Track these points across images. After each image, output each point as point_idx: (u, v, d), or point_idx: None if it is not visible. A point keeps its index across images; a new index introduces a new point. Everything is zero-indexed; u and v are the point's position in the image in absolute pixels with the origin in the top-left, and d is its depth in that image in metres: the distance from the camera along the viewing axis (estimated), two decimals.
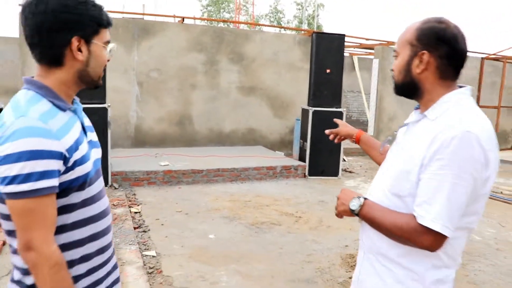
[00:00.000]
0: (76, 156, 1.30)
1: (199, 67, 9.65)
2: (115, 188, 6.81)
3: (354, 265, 4.13)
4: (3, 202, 1.26)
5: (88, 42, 1.34)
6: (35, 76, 1.36)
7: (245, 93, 10.10)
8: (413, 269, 1.48)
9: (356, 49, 13.50)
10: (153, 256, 4.31)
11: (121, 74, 9.03)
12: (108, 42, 1.41)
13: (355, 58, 14.38)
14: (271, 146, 10.24)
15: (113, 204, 5.87)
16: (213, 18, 24.30)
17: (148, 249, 4.50)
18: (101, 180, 1.48)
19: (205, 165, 7.68)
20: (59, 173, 1.25)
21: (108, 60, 1.44)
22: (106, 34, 1.39)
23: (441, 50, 1.44)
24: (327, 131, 2.24)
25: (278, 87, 10.35)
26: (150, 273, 3.95)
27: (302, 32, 11.96)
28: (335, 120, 2.35)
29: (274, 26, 23.96)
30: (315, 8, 29.94)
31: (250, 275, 3.99)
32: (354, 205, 1.55)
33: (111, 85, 8.63)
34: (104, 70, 5.94)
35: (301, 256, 4.44)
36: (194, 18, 11.02)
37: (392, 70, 1.60)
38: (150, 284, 3.71)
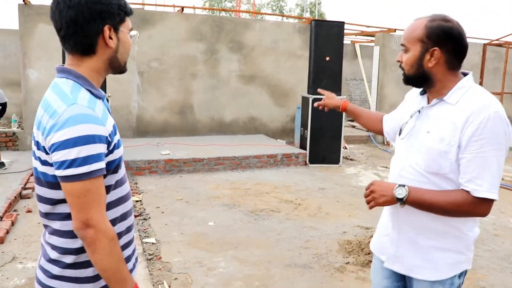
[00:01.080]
0: (115, 140, 1.43)
1: (199, 56, 9.66)
2: None
3: (352, 251, 4.20)
4: (46, 186, 1.37)
5: (116, 30, 1.43)
6: (67, 65, 1.42)
7: (245, 82, 10.11)
8: (459, 234, 1.74)
9: (358, 36, 13.47)
10: (153, 243, 4.37)
11: None
12: (131, 29, 1.51)
13: (357, 46, 14.35)
14: (272, 135, 10.27)
15: None
16: (213, 7, 24.19)
17: (148, 236, 4.56)
18: (123, 163, 1.58)
19: (206, 154, 7.73)
20: (104, 156, 1.35)
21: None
22: (129, 22, 1.49)
23: (449, 46, 1.67)
24: (315, 104, 2.45)
25: (278, 75, 10.35)
26: (150, 259, 4.01)
27: (303, 20, 11.91)
28: (319, 90, 2.55)
29: (275, 15, 23.87)
30: None
31: (247, 260, 4.05)
32: (401, 193, 1.68)
33: (111, 75, 8.66)
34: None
35: (299, 242, 4.49)
36: (194, 8, 11.01)
37: (399, 61, 1.79)
38: (149, 270, 3.78)
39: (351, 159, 8.99)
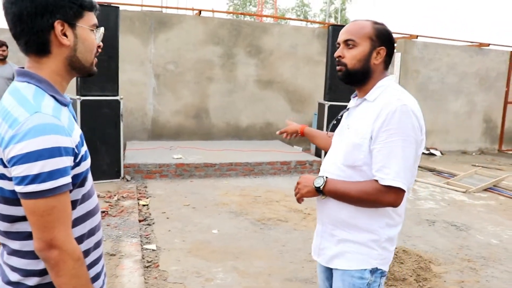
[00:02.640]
0: (82, 151, 1.32)
1: (216, 60, 9.57)
2: (127, 181, 6.82)
3: None
4: (2, 202, 1.24)
5: (72, 26, 1.30)
6: (27, 67, 1.31)
7: (262, 87, 9.99)
8: (370, 229, 1.79)
9: None
10: (153, 250, 4.26)
11: (138, 67, 9.04)
12: (95, 26, 1.37)
13: None
14: (289, 141, 10.11)
15: (122, 197, 5.87)
16: (232, 11, 24.20)
17: (149, 242, 4.46)
18: (90, 174, 1.46)
19: (218, 159, 7.62)
20: (70, 169, 1.25)
21: (99, 46, 1.41)
22: (92, 17, 1.36)
23: (389, 48, 1.84)
24: (277, 132, 2.62)
25: (296, 80, 10.19)
26: (147, 267, 3.90)
27: (324, 25, 11.74)
28: (286, 121, 2.70)
29: (295, 19, 23.71)
30: (342, 1, 29.51)
31: (247, 272, 3.90)
32: (318, 182, 1.81)
33: (128, 77, 8.67)
34: (117, 61, 5.86)
35: (303, 254, 4.31)
36: (213, 11, 10.97)
37: (339, 56, 1.84)
38: (145, 278, 3.66)
39: None
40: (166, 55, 9.22)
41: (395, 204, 1.71)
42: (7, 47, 6.77)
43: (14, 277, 1.29)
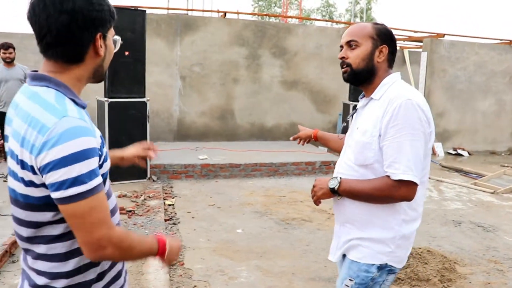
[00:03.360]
0: (104, 152, 1.33)
1: (241, 62, 9.65)
2: (154, 181, 6.94)
3: None
4: (28, 209, 1.25)
5: (105, 37, 1.34)
6: (46, 71, 1.30)
7: (287, 87, 10.02)
8: (386, 226, 1.82)
9: (406, 42, 13.08)
10: None
11: (164, 69, 9.19)
12: (114, 34, 1.42)
13: (406, 52, 13.91)
14: (314, 142, 10.09)
15: (149, 196, 5.98)
16: (257, 13, 24.25)
17: None
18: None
19: (243, 160, 7.68)
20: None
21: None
22: (112, 27, 1.39)
23: (392, 46, 1.90)
24: (291, 138, 2.64)
25: (321, 81, 10.19)
26: (172, 265, 3.98)
27: (348, 25, 11.68)
28: (299, 126, 2.71)
29: (321, 20, 23.67)
30: (367, 0, 29.26)
31: (271, 271, 3.94)
32: (333, 184, 1.86)
33: (154, 79, 8.82)
34: (144, 63, 5.93)
35: (327, 254, 4.27)
36: (238, 13, 11.05)
37: (343, 58, 1.90)
38: (170, 276, 3.75)
39: None
40: (192, 57, 9.34)
41: (409, 197, 1.74)
42: (14, 49, 6.78)
43: (41, 280, 1.30)
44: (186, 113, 9.48)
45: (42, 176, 1.18)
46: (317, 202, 1.99)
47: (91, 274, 1.33)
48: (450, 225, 5.41)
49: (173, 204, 5.82)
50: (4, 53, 6.67)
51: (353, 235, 1.89)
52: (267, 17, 17.39)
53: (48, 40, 1.25)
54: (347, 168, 1.89)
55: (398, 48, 14.38)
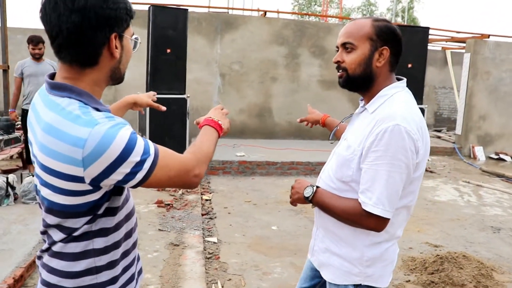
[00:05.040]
0: None
1: (280, 60, 9.71)
2: None
3: (414, 269, 4.01)
4: (62, 216, 1.25)
5: (121, 37, 1.27)
6: (63, 78, 1.25)
7: (325, 87, 10.01)
8: (353, 244, 1.70)
9: (449, 43, 12.83)
10: (214, 243, 4.46)
11: (204, 66, 9.34)
12: (133, 34, 1.33)
13: (448, 53, 13.65)
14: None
15: (187, 191, 6.12)
16: (297, 12, 24.18)
17: (211, 235, 4.66)
18: None
19: (280, 158, 7.75)
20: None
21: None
22: (130, 27, 1.32)
23: (395, 47, 1.66)
24: (298, 120, 2.53)
25: None
26: (208, 258, 4.09)
27: None
28: (308, 105, 2.64)
29: (360, 19, 23.36)
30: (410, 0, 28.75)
31: None
32: (308, 192, 1.74)
33: (194, 76, 8.98)
34: (185, 61, 5.91)
35: None
36: (278, 12, 11.10)
37: (338, 62, 1.70)
38: (206, 269, 3.85)
39: (431, 171, 8.57)
40: (232, 55, 9.46)
41: (377, 229, 1.61)
42: (44, 44, 6.11)
43: (52, 279, 1.31)
44: None
45: (100, 182, 1.18)
46: (293, 204, 1.85)
47: (104, 277, 1.33)
48: (488, 231, 5.32)
49: (210, 199, 5.94)
50: (34, 48, 6.06)
51: (326, 244, 1.81)
52: (307, 16, 17.37)
53: (60, 41, 1.19)
54: (328, 177, 1.77)
55: (440, 49, 14.13)
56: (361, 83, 1.69)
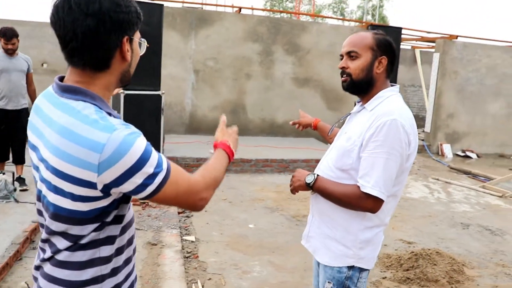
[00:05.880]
0: None
1: (254, 57, 9.72)
2: None
3: (390, 266, 4.10)
4: (69, 222, 1.23)
5: (131, 40, 1.28)
6: (75, 82, 1.25)
7: (299, 84, 10.08)
8: (348, 228, 1.92)
9: (418, 42, 13.09)
10: (192, 241, 4.45)
11: (178, 62, 9.27)
12: (140, 37, 1.35)
13: (417, 52, 13.94)
14: (323, 139, 10.17)
15: None
16: (273, 9, 24.23)
17: (188, 234, 4.66)
18: None
19: (254, 155, 7.78)
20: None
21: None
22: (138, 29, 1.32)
23: (391, 56, 1.92)
24: (291, 122, 2.67)
25: (333, 79, 10.23)
26: (187, 257, 4.09)
27: (363, 24, 11.71)
28: (300, 110, 2.78)
29: (333, 18, 23.65)
30: None
31: (283, 266, 4.04)
32: (309, 179, 1.95)
33: (168, 72, 8.90)
34: (160, 57, 5.79)
35: None
36: (252, 9, 11.11)
37: (344, 67, 1.94)
38: (185, 268, 3.85)
39: None
40: (206, 51, 9.42)
41: (373, 210, 1.83)
42: (17, 37, 5.48)
43: None
44: (198, 106, 9.57)
45: (111, 189, 1.19)
46: (293, 191, 2.10)
47: (107, 284, 1.32)
48: (458, 228, 5.49)
49: None
50: (6, 43, 5.41)
51: (321, 229, 2.01)
52: (280, 13, 17.44)
53: (74, 45, 1.19)
54: (327, 167, 1.98)
55: (409, 47, 14.42)
56: (362, 87, 1.94)
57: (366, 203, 1.81)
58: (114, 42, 1.22)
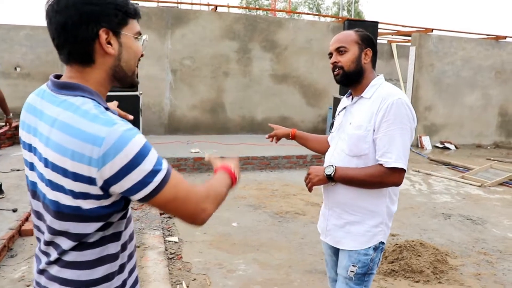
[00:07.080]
0: None
1: (232, 55, 9.67)
2: None
3: None
4: (74, 220, 1.21)
5: (117, 34, 1.26)
6: (68, 78, 1.27)
7: (277, 81, 10.07)
8: (375, 210, 2.08)
9: (395, 36, 13.20)
10: (175, 242, 4.39)
11: (155, 62, 9.17)
12: (139, 33, 1.33)
13: (394, 46, 14.04)
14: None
15: None
16: (247, 6, 24.21)
17: (171, 235, 4.59)
18: None
19: (235, 153, 7.72)
20: None
21: (142, 54, 1.37)
22: (136, 24, 1.31)
23: (374, 49, 2.15)
24: (266, 136, 2.67)
25: (311, 75, 10.25)
26: (171, 258, 4.03)
27: (339, 19, 11.76)
28: (270, 124, 2.77)
29: (310, 14, 23.73)
30: None
31: (268, 264, 4.01)
32: (329, 171, 2.07)
33: (145, 72, 8.80)
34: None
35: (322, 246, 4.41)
36: (228, 6, 11.05)
37: (336, 62, 2.12)
38: (169, 269, 3.79)
39: None
40: (183, 51, 9.33)
41: (398, 183, 2.00)
42: None
43: None
44: (177, 106, 9.48)
45: (110, 186, 1.16)
46: (311, 188, 2.16)
47: (117, 281, 1.31)
48: (440, 218, 5.54)
49: None
50: None
51: (344, 218, 2.12)
52: (256, 10, 17.42)
53: (56, 43, 1.24)
54: (340, 158, 2.11)
55: (386, 42, 14.53)
56: (354, 77, 2.11)
57: (393, 177, 1.96)
58: (87, 34, 1.21)
